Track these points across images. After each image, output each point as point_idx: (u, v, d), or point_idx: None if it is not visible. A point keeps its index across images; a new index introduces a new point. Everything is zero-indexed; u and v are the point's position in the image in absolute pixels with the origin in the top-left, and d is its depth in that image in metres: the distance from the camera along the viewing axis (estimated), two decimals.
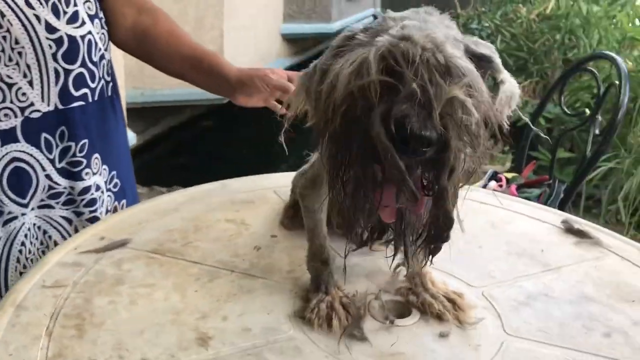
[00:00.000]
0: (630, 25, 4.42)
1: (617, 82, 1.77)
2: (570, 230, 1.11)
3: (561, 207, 1.84)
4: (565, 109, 2.12)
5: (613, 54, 2.07)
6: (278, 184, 1.25)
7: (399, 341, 0.78)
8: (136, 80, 3.96)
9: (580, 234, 1.10)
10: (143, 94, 4.22)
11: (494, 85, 0.66)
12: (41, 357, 0.71)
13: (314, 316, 0.80)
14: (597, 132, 1.83)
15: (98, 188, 1.13)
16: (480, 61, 0.65)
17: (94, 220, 1.12)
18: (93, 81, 1.08)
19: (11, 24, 0.97)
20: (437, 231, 0.58)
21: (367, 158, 0.54)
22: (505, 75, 0.68)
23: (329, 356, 0.75)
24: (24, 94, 1.01)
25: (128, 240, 0.99)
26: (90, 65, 1.07)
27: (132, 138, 3.62)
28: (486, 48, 0.68)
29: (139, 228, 1.03)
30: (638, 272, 0.99)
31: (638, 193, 3.23)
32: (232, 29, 4.56)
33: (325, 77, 0.62)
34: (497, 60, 0.67)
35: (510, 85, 0.68)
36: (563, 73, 2.22)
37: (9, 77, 0.99)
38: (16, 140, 1.02)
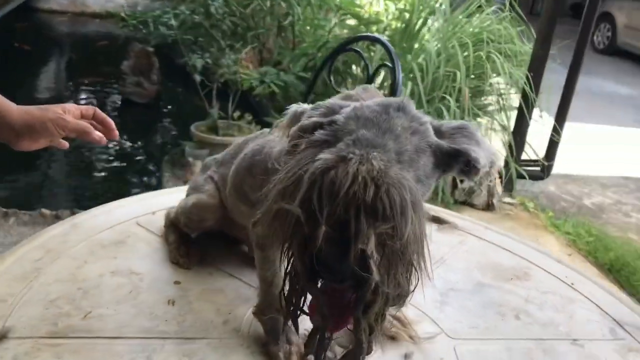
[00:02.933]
0: None
1: (388, 64, 1.94)
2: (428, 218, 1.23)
3: None
4: (336, 88, 2.25)
5: (378, 36, 2.26)
6: (135, 213, 1.10)
7: None
8: None
9: (437, 220, 1.23)
10: None
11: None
12: None
13: None
14: None
15: None
16: (455, 157, 0.62)
17: None
18: None
19: None
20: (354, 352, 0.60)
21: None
22: (481, 157, 0.63)
23: None
24: None
25: (7, 329, 0.77)
26: None
27: None
28: (464, 138, 0.64)
29: (9, 307, 0.81)
30: (497, 250, 1.15)
31: None
32: None
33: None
34: (474, 148, 0.63)
35: (487, 159, 0.64)
36: (330, 53, 2.32)
37: None
38: None
